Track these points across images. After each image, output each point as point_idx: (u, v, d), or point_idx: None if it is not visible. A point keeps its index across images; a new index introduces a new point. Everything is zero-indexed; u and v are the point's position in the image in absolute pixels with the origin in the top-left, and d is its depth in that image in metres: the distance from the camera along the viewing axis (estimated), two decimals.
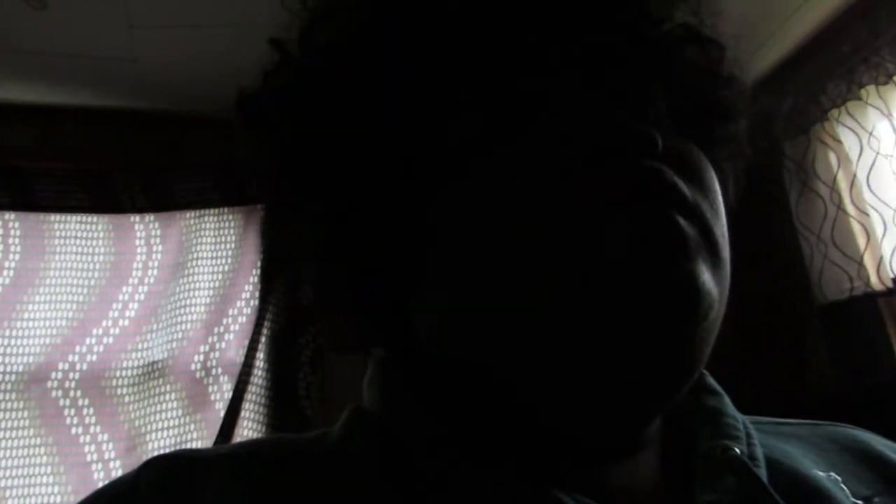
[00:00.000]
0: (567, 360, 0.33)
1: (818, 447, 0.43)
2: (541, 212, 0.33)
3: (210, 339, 1.89)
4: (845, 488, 0.39)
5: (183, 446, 1.74)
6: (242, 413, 1.80)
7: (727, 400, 0.42)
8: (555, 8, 0.37)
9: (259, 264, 1.94)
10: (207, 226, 1.97)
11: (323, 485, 0.35)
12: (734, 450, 0.37)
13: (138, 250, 1.92)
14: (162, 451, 0.39)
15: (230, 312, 1.92)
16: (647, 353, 0.33)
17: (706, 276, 0.33)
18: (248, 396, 1.82)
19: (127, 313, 1.86)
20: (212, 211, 1.97)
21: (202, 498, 0.34)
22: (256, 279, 1.94)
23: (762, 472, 0.37)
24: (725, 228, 0.36)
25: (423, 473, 0.35)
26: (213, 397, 1.85)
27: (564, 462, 0.36)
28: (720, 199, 0.37)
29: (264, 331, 1.88)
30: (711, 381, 0.43)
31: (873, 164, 1.73)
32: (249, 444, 0.40)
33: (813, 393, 1.77)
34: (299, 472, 0.36)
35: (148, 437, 1.77)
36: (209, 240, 1.96)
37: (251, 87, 0.43)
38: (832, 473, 0.40)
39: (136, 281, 1.89)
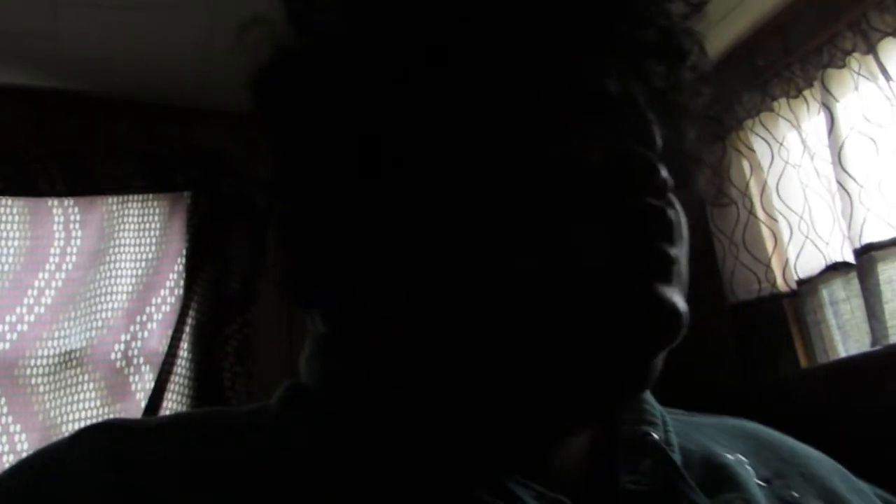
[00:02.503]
0: (550, 358, 0.36)
1: (724, 434, 0.47)
2: (546, 219, 0.35)
3: (132, 328, 1.84)
4: (750, 469, 0.43)
5: None
6: (165, 404, 1.77)
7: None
8: (589, 34, 0.39)
9: (184, 253, 1.90)
10: (131, 212, 1.92)
11: (261, 458, 0.35)
12: (653, 435, 0.40)
13: (56, 235, 1.85)
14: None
15: (153, 301, 1.88)
16: (629, 364, 0.36)
17: (683, 304, 0.36)
18: (170, 387, 1.79)
19: (43, 300, 1.80)
20: (136, 197, 1.92)
21: (138, 469, 0.33)
22: (181, 268, 1.90)
23: (677, 457, 0.40)
24: (687, 258, 0.40)
25: (369, 456, 0.36)
26: (133, 388, 1.81)
27: (505, 442, 0.37)
28: (687, 238, 0.40)
29: (189, 320, 1.85)
30: None
31: (782, 172, 1.84)
32: (185, 416, 0.39)
33: (722, 386, 1.87)
34: (237, 444, 0.36)
35: (64, 429, 1.72)
36: (132, 226, 1.91)
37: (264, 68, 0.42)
38: (739, 455, 0.44)
39: (53, 267, 1.83)
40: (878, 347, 1.59)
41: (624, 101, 0.39)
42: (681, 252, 0.38)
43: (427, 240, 0.37)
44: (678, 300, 0.35)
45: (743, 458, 0.44)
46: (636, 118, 0.39)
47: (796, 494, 0.43)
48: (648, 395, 0.44)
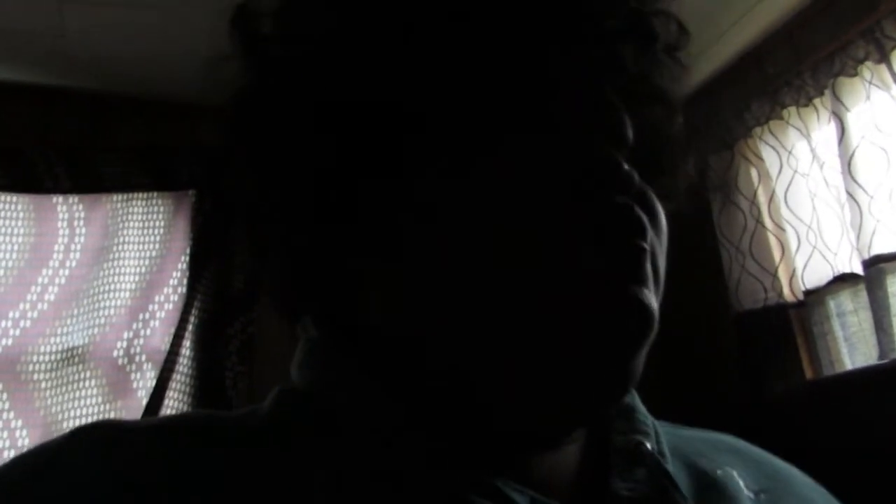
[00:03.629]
0: (524, 361, 0.36)
1: (712, 447, 0.47)
2: (520, 223, 0.35)
3: (134, 326, 1.85)
4: (740, 481, 0.43)
5: None
6: (166, 402, 1.77)
7: (638, 398, 0.45)
8: (560, 31, 0.39)
9: (188, 251, 1.90)
10: (135, 210, 1.92)
11: (253, 462, 0.35)
12: (646, 445, 0.40)
13: (60, 232, 1.85)
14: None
15: (156, 299, 1.88)
16: (602, 366, 0.36)
17: (655, 304, 0.36)
18: (172, 385, 1.79)
19: (46, 297, 1.80)
20: (140, 195, 1.92)
21: (133, 467, 0.34)
22: (185, 266, 1.90)
23: (670, 467, 0.40)
24: (664, 261, 0.40)
25: (356, 455, 0.36)
26: (135, 385, 1.82)
27: (496, 450, 0.37)
28: (666, 240, 0.40)
29: (192, 319, 1.85)
30: None
31: (791, 181, 1.82)
32: (177, 418, 0.40)
33: (725, 398, 1.86)
34: (229, 447, 0.36)
35: (65, 425, 1.73)
36: (136, 224, 1.91)
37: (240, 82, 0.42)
38: (727, 468, 0.44)
39: (56, 264, 1.83)
40: (885, 360, 1.57)
41: (589, 95, 0.39)
42: (656, 249, 0.38)
43: (404, 247, 0.38)
44: (647, 298, 0.35)
45: (732, 471, 0.44)
46: (603, 113, 0.38)
47: None
48: (640, 406, 0.44)
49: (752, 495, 0.43)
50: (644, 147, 0.41)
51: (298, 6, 0.41)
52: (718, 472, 0.43)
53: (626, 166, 0.36)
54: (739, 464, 0.45)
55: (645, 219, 0.36)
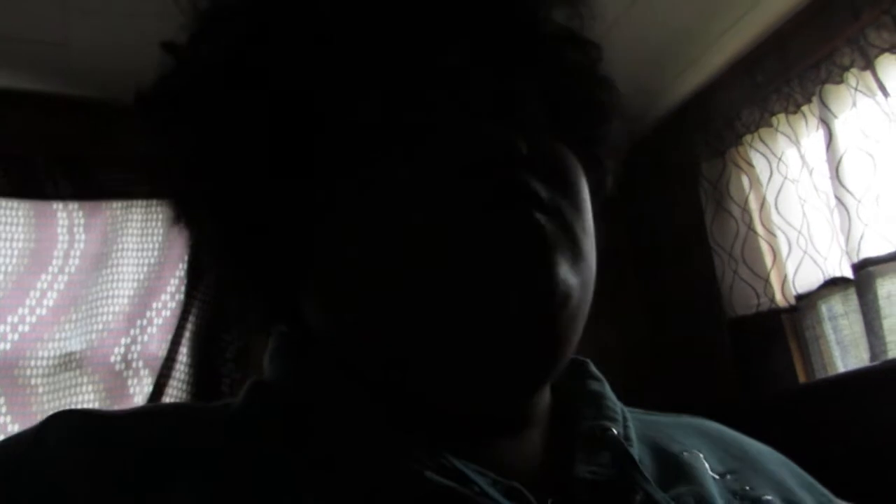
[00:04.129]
0: (443, 347, 0.37)
1: (681, 431, 0.47)
2: (412, 217, 0.36)
3: (132, 332, 1.86)
4: (706, 463, 0.44)
5: None
6: None
7: (608, 386, 0.46)
8: (429, 8, 0.40)
9: (186, 258, 1.92)
10: (134, 217, 1.94)
11: (225, 448, 0.36)
12: (612, 430, 0.41)
13: (60, 238, 1.87)
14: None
15: (154, 306, 1.89)
16: (514, 339, 0.36)
17: (563, 268, 0.36)
18: (168, 391, 1.79)
19: (45, 302, 1.81)
20: (139, 202, 1.94)
21: (110, 449, 0.34)
22: (183, 273, 1.91)
23: (634, 451, 0.40)
24: (588, 224, 0.40)
25: (323, 439, 0.37)
26: (132, 391, 1.82)
27: (455, 437, 0.38)
28: (584, 197, 0.41)
29: (189, 325, 1.86)
30: (594, 369, 0.47)
31: (781, 187, 1.84)
32: (153, 406, 0.41)
33: (719, 402, 1.87)
34: (203, 435, 0.37)
35: None
36: (135, 231, 1.93)
37: (148, 86, 0.45)
38: (694, 451, 0.44)
39: (55, 269, 1.84)
40: (876, 363, 1.59)
41: (489, 77, 0.39)
42: (568, 214, 0.38)
43: (322, 249, 0.39)
44: (548, 265, 0.36)
45: (698, 454, 0.44)
46: (491, 91, 0.39)
47: (748, 487, 0.44)
48: (609, 393, 0.45)
49: (716, 476, 0.43)
50: (560, 95, 0.42)
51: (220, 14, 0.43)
52: (685, 454, 0.44)
53: (505, 135, 0.37)
54: (706, 446, 0.46)
55: (539, 185, 0.37)
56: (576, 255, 0.38)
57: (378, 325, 0.38)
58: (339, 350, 0.40)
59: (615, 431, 0.41)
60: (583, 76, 0.45)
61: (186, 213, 0.45)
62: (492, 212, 0.36)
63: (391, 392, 0.38)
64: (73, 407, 0.41)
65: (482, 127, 0.37)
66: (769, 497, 0.43)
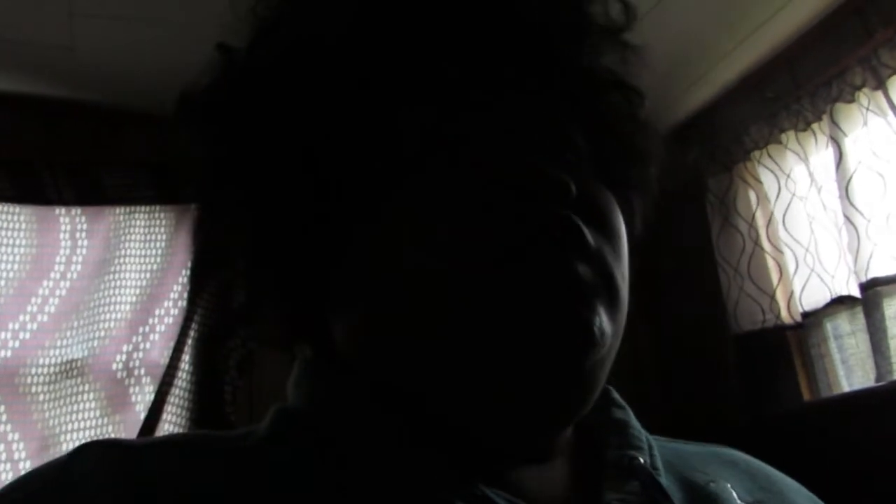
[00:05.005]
0: (476, 384, 0.37)
1: (706, 460, 0.47)
2: (451, 246, 0.36)
3: (134, 339, 1.84)
4: (733, 492, 0.43)
5: None
6: (164, 416, 1.76)
7: (632, 414, 0.46)
8: (484, 45, 0.40)
9: (189, 265, 1.90)
10: (137, 223, 1.92)
11: (253, 479, 0.36)
12: (639, 459, 0.41)
13: (62, 244, 1.85)
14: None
15: (156, 312, 1.88)
16: (547, 382, 0.36)
17: (601, 318, 0.36)
18: (170, 399, 1.78)
19: (46, 309, 1.79)
20: (143, 208, 1.92)
21: (141, 484, 0.34)
22: (186, 280, 1.90)
23: (663, 480, 0.40)
24: (626, 270, 0.40)
25: (351, 467, 0.37)
26: (133, 399, 1.81)
27: (481, 466, 0.38)
28: (624, 242, 0.40)
29: (191, 333, 1.84)
30: (617, 396, 0.47)
31: (789, 204, 1.84)
32: (177, 436, 0.41)
33: (723, 419, 1.86)
34: (229, 464, 0.37)
35: (62, 438, 1.71)
36: (138, 237, 1.91)
37: (194, 85, 0.44)
38: (721, 481, 0.44)
39: (57, 275, 1.83)
40: (882, 383, 1.59)
41: (541, 116, 0.39)
42: (607, 256, 0.38)
43: (358, 276, 0.39)
44: (586, 313, 0.35)
45: (726, 484, 0.44)
46: (553, 133, 0.39)
47: None
48: (634, 421, 0.45)
49: None
50: (602, 139, 0.42)
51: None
52: (712, 484, 0.44)
53: (558, 173, 0.36)
54: (734, 476, 0.46)
55: (586, 229, 0.37)
56: (613, 303, 0.38)
57: (412, 355, 0.38)
58: (367, 375, 0.40)
59: (642, 460, 0.41)
60: (626, 121, 0.45)
61: (221, 219, 0.45)
62: (539, 252, 0.35)
63: (418, 420, 0.38)
64: (102, 438, 0.41)
65: (536, 161, 0.37)
66: None
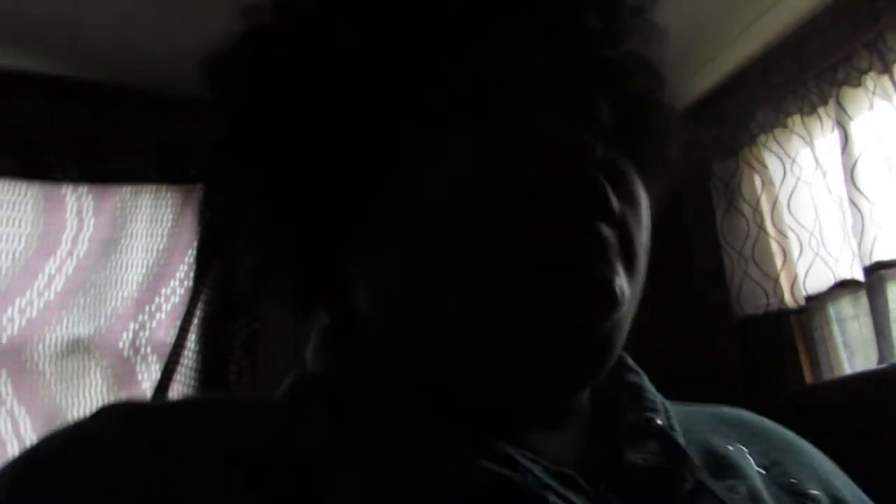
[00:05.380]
0: (494, 344, 0.37)
1: (721, 425, 0.47)
2: (479, 202, 0.37)
3: (140, 318, 1.85)
4: (749, 458, 0.44)
5: None
6: (170, 395, 1.77)
7: (646, 377, 0.46)
8: (519, 20, 0.40)
9: (196, 244, 1.91)
10: (144, 202, 1.92)
11: (275, 443, 0.36)
12: (656, 420, 0.42)
13: (68, 222, 1.85)
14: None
15: (163, 292, 1.88)
16: (565, 342, 0.37)
17: (621, 280, 0.37)
18: (176, 378, 1.79)
19: (53, 286, 1.80)
20: (149, 188, 1.92)
21: (160, 446, 0.34)
22: (192, 259, 1.90)
23: (681, 440, 0.41)
24: (646, 240, 0.41)
25: (372, 431, 0.37)
26: (140, 377, 1.81)
27: (499, 430, 0.38)
28: (646, 212, 0.41)
29: (197, 312, 1.85)
30: (631, 361, 0.47)
31: (794, 188, 1.85)
32: (195, 398, 0.41)
33: (727, 401, 1.88)
34: (251, 429, 0.37)
35: (69, 415, 1.72)
36: (145, 216, 1.91)
37: (218, 51, 0.44)
38: (737, 445, 0.45)
39: (64, 254, 1.83)
40: (884, 365, 1.60)
41: (570, 89, 0.40)
42: (630, 223, 0.38)
43: (381, 242, 0.40)
44: (609, 277, 0.36)
45: (742, 448, 0.45)
46: (581, 104, 0.40)
47: (794, 480, 0.44)
48: (648, 385, 0.45)
49: (762, 471, 0.44)
50: (625, 115, 0.43)
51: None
52: (729, 447, 0.44)
53: (585, 137, 0.37)
54: (750, 439, 0.46)
55: (610, 192, 0.37)
56: (631, 268, 0.38)
57: (434, 321, 0.38)
58: (386, 341, 0.40)
59: (659, 422, 0.41)
60: (649, 100, 0.46)
61: (243, 178, 0.45)
62: (563, 209, 0.36)
63: (436, 385, 0.39)
64: (121, 400, 0.41)
65: (564, 123, 0.37)
66: (815, 492, 0.44)
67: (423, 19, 0.39)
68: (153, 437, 0.35)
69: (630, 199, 0.39)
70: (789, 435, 0.50)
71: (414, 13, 0.39)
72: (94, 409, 0.37)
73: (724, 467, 0.42)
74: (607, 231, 0.36)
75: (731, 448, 0.44)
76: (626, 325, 0.40)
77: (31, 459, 0.34)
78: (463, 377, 0.39)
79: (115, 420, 0.36)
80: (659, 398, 0.45)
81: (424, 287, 0.38)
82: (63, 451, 0.34)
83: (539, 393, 0.39)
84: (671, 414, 0.43)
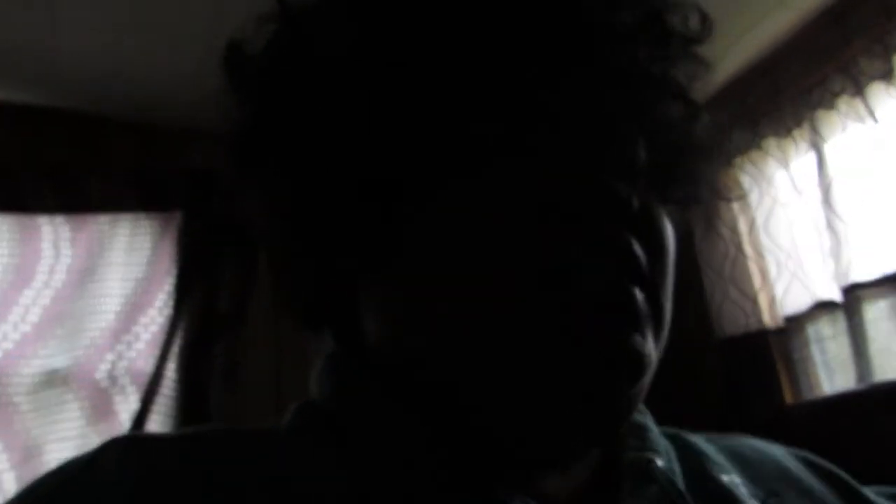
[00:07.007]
0: (515, 403, 0.37)
1: (719, 455, 0.47)
2: (510, 259, 0.35)
3: (118, 348, 1.83)
4: (745, 490, 0.44)
5: None
6: (149, 425, 1.75)
7: (650, 417, 0.46)
8: (554, 49, 0.38)
9: (174, 272, 1.89)
10: (121, 231, 1.90)
11: (278, 475, 0.36)
12: (657, 462, 0.41)
13: (44, 253, 1.83)
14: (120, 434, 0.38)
15: (141, 321, 1.86)
16: (590, 406, 0.37)
17: (649, 346, 0.36)
18: (155, 408, 1.77)
19: (29, 318, 1.78)
20: (127, 216, 1.91)
21: (163, 482, 0.34)
22: (171, 287, 1.89)
23: (681, 483, 0.40)
24: (671, 288, 0.40)
25: (374, 465, 0.37)
26: (118, 408, 1.79)
27: (504, 469, 0.38)
28: (672, 259, 0.40)
29: (176, 340, 1.83)
30: None
31: (771, 210, 1.86)
32: (201, 429, 0.40)
33: (707, 422, 1.88)
34: (255, 462, 0.37)
35: (46, 448, 1.69)
36: (122, 245, 1.90)
37: (244, 45, 0.43)
38: (734, 477, 0.44)
39: (40, 284, 1.81)
40: (863, 385, 1.61)
41: (608, 126, 0.39)
42: (657, 281, 0.38)
43: (397, 271, 0.39)
44: (638, 344, 0.35)
45: (738, 480, 0.44)
46: (597, 134, 0.38)
47: None
48: (652, 426, 0.45)
49: (758, 503, 0.43)
50: (662, 151, 0.42)
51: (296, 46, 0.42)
52: (725, 478, 0.44)
53: (621, 189, 0.36)
54: (746, 470, 0.46)
55: (641, 253, 0.36)
56: (658, 325, 0.38)
57: (452, 371, 0.37)
58: (394, 371, 0.40)
59: (660, 464, 0.41)
60: (687, 137, 0.44)
61: (264, 189, 0.43)
62: (597, 276, 0.35)
63: (441, 421, 0.38)
64: (129, 432, 0.41)
65: (600, 174, 0.36)
66: None
67: (494, 54, 0.38)
68: (160, 469, 0.35)
69: (659, 251, 0.39)
70: (789, 461, 0.49)
71: (483, 47, 0.38)
72: (98, 445, 0.36)
73: (719, 499, 0.42)
74: (639, 296, 0.36)
75: (726, 478, 0.44)
76: (648, 381, 0.39)
77: (38, 493, 0.34)
78: (479, 428, 0.38)
79: (122, 453, 0.36)
80: (663, 440, 0.44)
81: (445, 336, 0.37)
82: (68, 484, 0.34)
83: (558, 450, 0.39)
84: (672, 456, 0.43)
